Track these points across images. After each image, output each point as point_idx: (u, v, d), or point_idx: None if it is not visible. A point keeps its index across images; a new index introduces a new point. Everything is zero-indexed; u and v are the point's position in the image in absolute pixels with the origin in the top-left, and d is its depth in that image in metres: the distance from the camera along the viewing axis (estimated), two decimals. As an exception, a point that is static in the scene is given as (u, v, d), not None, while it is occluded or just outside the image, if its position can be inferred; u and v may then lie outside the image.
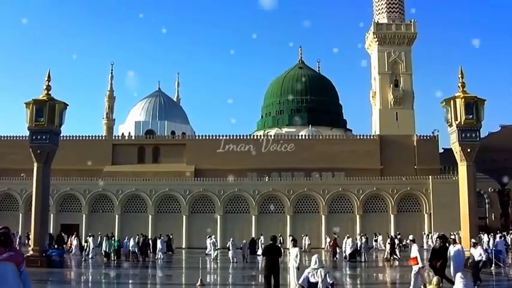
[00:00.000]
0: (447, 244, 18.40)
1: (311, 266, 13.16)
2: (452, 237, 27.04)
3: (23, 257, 6.41)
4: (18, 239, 37.75)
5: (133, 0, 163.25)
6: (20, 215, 50.85)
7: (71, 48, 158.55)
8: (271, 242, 15.60)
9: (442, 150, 58.99)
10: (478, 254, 18.90)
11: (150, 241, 38.02)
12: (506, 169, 55.60)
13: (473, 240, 20.49)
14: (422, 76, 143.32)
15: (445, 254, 17.23)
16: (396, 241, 36.13)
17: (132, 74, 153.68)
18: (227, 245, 34.28)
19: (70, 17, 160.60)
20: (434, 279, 11.05)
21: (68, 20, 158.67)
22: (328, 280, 12.77)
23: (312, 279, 12.71)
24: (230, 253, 32.25)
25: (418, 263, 16.34)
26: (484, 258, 18.69)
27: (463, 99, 27.19)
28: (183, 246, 49.90)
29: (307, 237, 45.59)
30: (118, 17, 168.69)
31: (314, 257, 13.36)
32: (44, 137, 27.49)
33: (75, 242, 37.79)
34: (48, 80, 28.53)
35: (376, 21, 68.51)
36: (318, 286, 12.54)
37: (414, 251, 16.89)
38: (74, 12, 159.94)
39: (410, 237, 20.93)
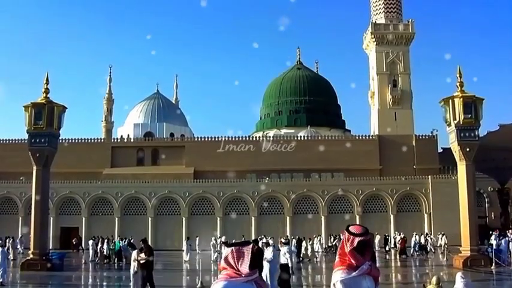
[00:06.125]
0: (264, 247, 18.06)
1: None
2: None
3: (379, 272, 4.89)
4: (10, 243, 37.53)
5: (132, 2, 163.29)
6: (20, 218, 50.70)
7: (69, 50, 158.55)
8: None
9: (441, 150, 58.98)
10: (281, 254, 17.23)
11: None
12: (506, 168, 55.57)
13: (282, 240, 18.73)
14: (420, 76, 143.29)
15: (261, 259, 16.81)
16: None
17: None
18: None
19: (69, 19, 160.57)
20: (434, 279, 10.80)
21: (66, 22, 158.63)
22: None
23: None
24: None
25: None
26: (287, 261, 16.31)
27: (461, 99, 27.28)
28: (183, 248, 49.77)
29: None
30: (116, 19, 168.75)
31: None
32: (43, 140, 27.51)
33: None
34: (47, 83, 28.56)
35: (373, 21, 68.49)
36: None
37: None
38: (72, 14, 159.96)
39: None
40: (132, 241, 38.08)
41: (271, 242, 22.82)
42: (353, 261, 4.52)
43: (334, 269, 4.62)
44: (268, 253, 16.76)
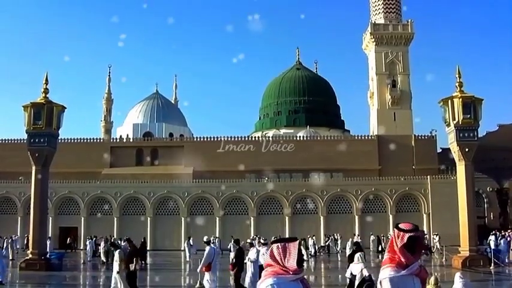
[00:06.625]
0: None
1: (354, 261, 15.23)
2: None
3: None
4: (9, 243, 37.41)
5: (132, 2, 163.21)
6: (19, 218, 50.70)
7: (68, 50, 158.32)
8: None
9: (440, 150, 58.97)
10: (260, 254, 16.57)
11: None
12: (505, 168, 55.61)
13: (261, 240, 17.59)
14: (420, 76, 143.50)
15: (242, 259, 16.86)
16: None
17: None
18: (228, 246, 34.14)
19: (68, 19, 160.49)
20: (432, 279, 10.69)
21: (65, 22, 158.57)
22: (365, 273, 14.82)
23: (354, 272, 15.00)
24: (232, 254, 31.80)
25: (209, 270, 15.23)
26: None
27: (460, 99, 27.30)
28: (182, 248, 49.80)
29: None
30: (116, 19, 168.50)
31: (357, 255, 15.25)
32: (42, 140, 27.48)
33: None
34: (46, 83, 28.52)
35: (373, 21, 68.49)
36: (357, 277, 14.84)
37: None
38: (71, 14, 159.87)
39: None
40: (118, 241, 38.36)
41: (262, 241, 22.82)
42: (403, 260, 4.37)
43: (382, 266, 4.49)
44: (252, 253, 16.82)
